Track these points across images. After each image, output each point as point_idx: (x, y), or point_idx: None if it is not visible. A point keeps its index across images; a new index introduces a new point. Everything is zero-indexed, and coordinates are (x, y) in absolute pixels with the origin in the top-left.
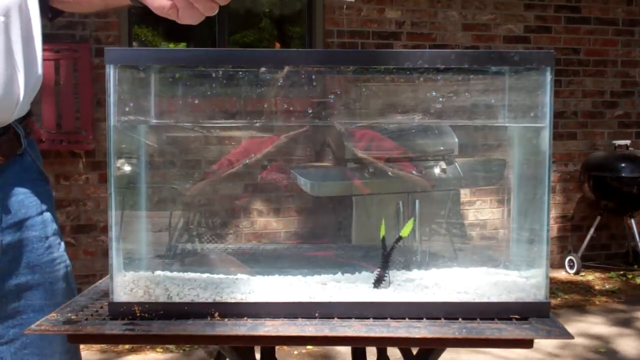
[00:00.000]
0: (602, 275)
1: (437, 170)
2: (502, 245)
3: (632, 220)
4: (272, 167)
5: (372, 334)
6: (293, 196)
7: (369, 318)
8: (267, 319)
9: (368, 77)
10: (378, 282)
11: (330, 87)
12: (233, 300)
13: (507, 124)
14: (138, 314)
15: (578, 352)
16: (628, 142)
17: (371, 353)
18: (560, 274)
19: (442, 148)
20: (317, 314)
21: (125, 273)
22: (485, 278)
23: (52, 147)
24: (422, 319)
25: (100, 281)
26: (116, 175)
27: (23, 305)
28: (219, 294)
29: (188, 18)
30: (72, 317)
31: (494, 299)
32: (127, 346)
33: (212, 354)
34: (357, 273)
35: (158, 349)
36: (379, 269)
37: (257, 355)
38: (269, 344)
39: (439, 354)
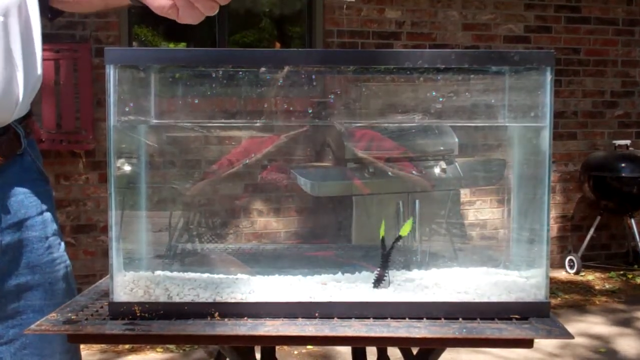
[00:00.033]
0: (602, 275)
1: (437, 170)
2: (502, 245)
3: (632, 220)
4: (272, 167)
5: (372, 334)
6: (293, 196)
7: (369, 318)
8: (267, 318)
9: (368, 77)
10: (378, 282)
11: (330, 87)
12: (233, 300)
13: (507, 124)
14: (138, 314)
15: (578, 352)
16: (628, 142)
17: (371, 353)
18: (561, 274)
19: (442, 148)
20: (317, 314)
21: (125, 273)
22: (486, 278)
23: (52, 147)
24: (422, 318)
25: (100, 281)
26: (116, 175)
27: (23, 305)
28: (219, 294)
29: (188, 18)
30: (72, 317)
31: (494, 298)
32: (127, 346)
33: (212, 354)
34: (357, 273)
35: (158, 349)
36: (378, 269)
37: (257, 355)
38: (269, 343)
39: (439, 354)
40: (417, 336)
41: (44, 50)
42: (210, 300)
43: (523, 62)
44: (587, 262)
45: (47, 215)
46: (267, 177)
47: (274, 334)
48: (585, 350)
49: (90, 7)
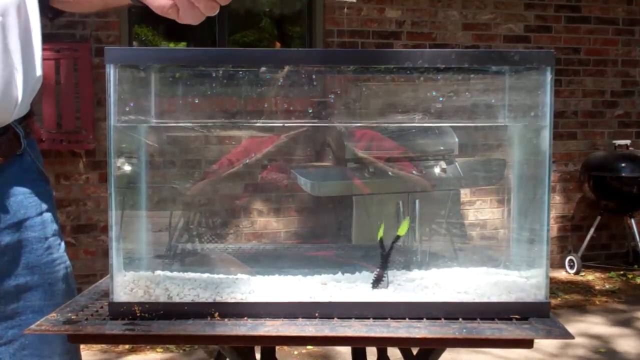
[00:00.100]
0: (602, 275)
1: (437, 170)
2: (502, 245)
3: (632, 220)
4: (272, 167)
5: (372, 334)
6: (293, 196)
7: (369, 318)
8: (267, 319)
9: (368, 76)
10: (377, 282)
11: (330, 87)
12: (233, 300)
13: (507, 124)
14: (138, 314)
15: (578, 352)
16: (628, 141)
17: (371, 353)
18: (561, 274)
19: (442, 148)
20: (317, 314)
21: (125, 273)
22: (486, 278)
23: (53, 146)
24: (422, 319)
25: (100, 281)
26: (116, 175)
27: (22, 306)
28: (219, 294)
29: (189, 18)
30: (72, 317)
31: (494, 299)
32: (127, 346)
33: (212, 354)
34: (357, 273)
35: (158, 349)
36: (378, 269)
37: (257, 355)
38: (269, 344)
39: (439, 354)
40: (417, 336)
41: (44, 49)
42: (210, 300)
43: (523, 62)
44: (587, 262)
45: (47, 215)
46: (267, 177)
47: (274, 334)
48: (585, 350)
49: (90, 7)
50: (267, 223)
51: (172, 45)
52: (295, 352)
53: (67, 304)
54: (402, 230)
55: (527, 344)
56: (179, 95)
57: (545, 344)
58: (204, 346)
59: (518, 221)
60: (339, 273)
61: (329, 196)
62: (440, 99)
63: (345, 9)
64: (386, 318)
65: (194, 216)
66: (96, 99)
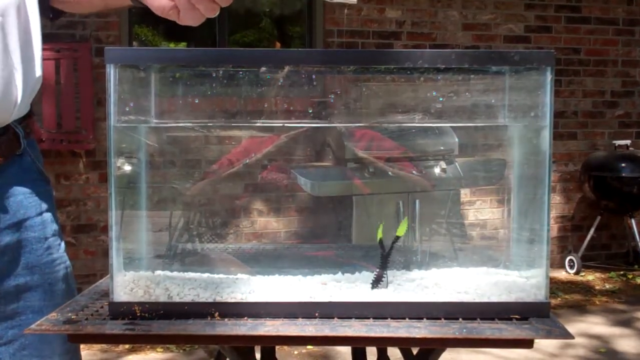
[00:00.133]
0: (603, 275)
1: (437, 170)
2: (502, 245)
3: (633, 220)
4: (272, 167)
5: (372, 334)
6: (293, 196)
7: (369, 318)
8: (267, 318)
9: (368, 77)
10: (376, 283)
11: (330, 87)
12: (233, 300)
13: (507, 124)
14: (138, 314)
15: (578, 352)
16: (628, 142)
17: (371, 353)
18: (561, 274)
19: (442, 148)
20: (317, 314)
21: (125, 273)
22: (486, 278)
23: (53, 146)
24: (422, 319)
25: (100, 281)
26: (116, 174)
27: (22, 306)
28: (219, 293)
29: (189, 19)
30: (73, 317)
31: (494, 299)
32: (127, 346)
33: (213, 354)
34: (357, 273)
35: (158, 349)
36: (377, 269)
37: (258, 355)
38: (269, 343)
39: (439, 354)
40: (417, 336)
41: (44, 49)
42: (210, 300)
43: (523, 62)
44: (587, 262)
45: (47, 215)
46: (267, 177)
47: (274, 334)
48: (585, 350)
49: (90, 7)
50: (267, 223)
51: (172, 45)
52: (295, 352)
53: (67, 304)
54: (401, 230)
55: (527, 344)
56: (179, 96)
57: (545, 344)
58: (204, 346)
59: (518, 221)
60: (339, 273)
61: (329, 196)
62: (441, 99)
63: (346, 9)
64: (386, 318)
65: (194, 216)
66: (96, 99)
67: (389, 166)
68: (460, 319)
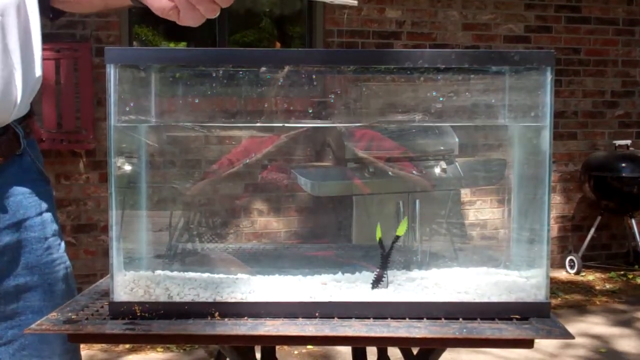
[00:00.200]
0: (603, 276)
1: (437, 170)
2: (502, 245)
3: (633, 220)
4: (272, 167)
5: (372, 334)
6: (293, 196)
7: (369, 318)
8: (268, 318)
9: (368, 76)
10: (377, 282)
11: (330, 87)
12: (233, 300)
13: (507, 124)
14: (138, 314)
15: (579, 352)
16: (628, 142)
17: (371, 353)
18: (561, 274)
19: (442, 148)
20: (317, 314)
21: (125, 272)
22: (486, 278)
23: (53, 146)
24: (422, 319)
25: (100, 281)
26: (117, 174)
27: (22, 306)
28: (219, 293)
29: (189, 20)
30: (73, 317)
31: (495, 299)
32: (127, 346)
33: (213, 354)
34: (357, 273)
35: (158, 349)
36: (378, 269)
37: (258, 355)
38: (270, 343)
39: (439, 354)
40: (418, 336)
41: (44, 49)
42: (210, 300)
43: (523, 62)
44: (588, 262)
45: (47, 215)
46: (267, 177)
47: (274, 333)
48: (585, 350)
49: (90, 7)
50: (267, 223)
51: (172, 45)
52: (296, 352)
53: (67, 304)
54: (401, 230)
55: (528, 344)
56: (179, 95)
57: (546, 344)
58: (204, 346)
59: (518, 221)
60: (339, 273)
61: (329, 196)
62: (441, 99)
63: (346, 10)
64: (386, 318)
65: (194, 216)
66: (96, 98)
67: (389, 166)
68: (461, 319)
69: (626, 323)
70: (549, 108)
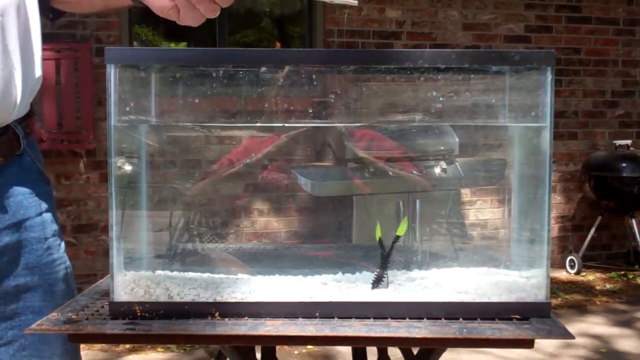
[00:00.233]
0: (603, 276)
1: (437, 170)
2: (502, 245)
3: (633, 220)
4: (272, 167)
5: (372, 334)
6: (293, 196)
7: (369, 318)
8: (268, 318)
9: (368, 76)
10: (376, 283)
11: (330, 87)
12: (234, 300)
13: (507, 124)
14: (139, 314)
15: (579, 352)
16: (629, 142)
17: (372, 353)
18: (561, 274)
19: (442, 148)
20: (317, 314)
21: (126, 272)
22: (486, 278)
23: (53, 146)
24: (422, 318)
25: (100, 281)
26: (117, 174)
27: (22, 306)
28: (219, 293)
29: (189, 19)
30: (73, 317)
31: (495, 299)
32: (127, 346)
33: (213, 354)
34: (357, 273)
35: (159, 349)
36: (378, 269)
37: (258, 355)
38: (270, 343)
39: (439, 354)
40: (418, 336)
41: (44, 49)
42: (210, 300)
43: (523, 62)
44: (588, 262)
45: (47, 216)
46: (267, 177)
47: (274, 333)
48: (586, 350)
49: (90, 7)
50: (267, 223)
51: (172, 45)
52: (296, 352)
53: (67, 304)
54: (401, 230)
55: (528, 344)
56: (179, 95)
57: (546, 344)
58: (204, 346)
59: (519, 221)
60: (339, 273)
61: (330, 196)
62: (441, 99)
63: (347, 10)
64: (386, 318)
65: (195, 216)
66: (96, 98)
67: (389, 166)
68: (461, 319)
69: (626, 323)
70: (549, 108)
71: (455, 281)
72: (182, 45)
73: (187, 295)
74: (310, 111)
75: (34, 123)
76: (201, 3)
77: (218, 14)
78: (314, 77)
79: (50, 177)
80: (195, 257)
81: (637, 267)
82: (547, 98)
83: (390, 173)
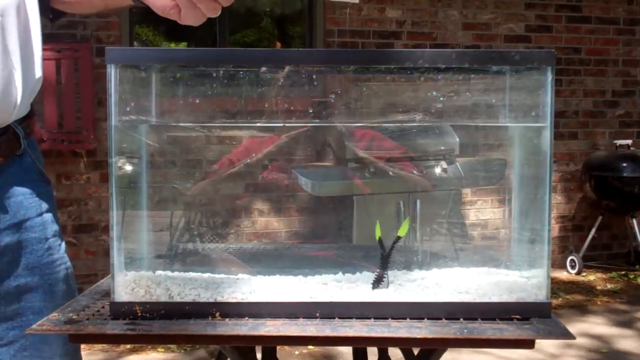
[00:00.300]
0: (604, 276)
1: (438, 170)
2: (503, 245)
3: (634, 220)
4: (273, 167)
5: (373, 334)
6: (294, 196)
7: (370, 318)
8: (268, 318)
9: (369, 76)
10: (377, 283)
11: (330, 87)
12: (234, 300)
13: (508, 124)
14: (139, 314)
15: (580, 352)
16: (629, 141)
17: (372, 353)
18: (562, 274)
19: (443, 148)
20: (318, 314)
21: (126, 273)
22: (487, 278)
23: (54, 146)
24: (423, 319)
25: (101, 281)
26: (117, 174)
27: (23, 307)
28: (220, 293)
29: (190, 19)
30: (74, 317)
31: (495, 299)
32: (128, 346)
33: (213, 354)
34: (358, 273)
35: (159, 349)
36: (378, 269)
37: (258, 355)
38: (270, 343)
39: (440, 354)
40: (418, 336)
41: (44, 50)
42: (211, 300)
43: (524, 62)
44: (589, 262)
45: (47, 216)
46: (268, 177)
47: (274, 334)
48: (586, 350)
49: (91, 7)
50: (267, 223)
51: (172, 45)
52: (296, 352)
53: (68, 304)
54: (403, 231)
55: (529, 344)
56: (180, 96)
57: (547, 344)
58: (205, 346)
59: (519, 221)
60: (340, 273)
61: (330, 196)
62: (441, 98)
63: (348, 10)
64: (387, 318)
65: (195, 216)
66: (97, 99)
67: (389, 166)
68: (461, 319)
69: (627, 323)
70: (550, 108)
71: (456, 281)
72: (183, 45)
73: (187, 295)
74: (311, 111)
75: (35, 123)
76: (202, 2)
77: (219, 13)
78: (314, 77)
79: (50, 177)
80: (196, 257)
81: (637, 267)
82: (548, 98)
83: (390, 173)
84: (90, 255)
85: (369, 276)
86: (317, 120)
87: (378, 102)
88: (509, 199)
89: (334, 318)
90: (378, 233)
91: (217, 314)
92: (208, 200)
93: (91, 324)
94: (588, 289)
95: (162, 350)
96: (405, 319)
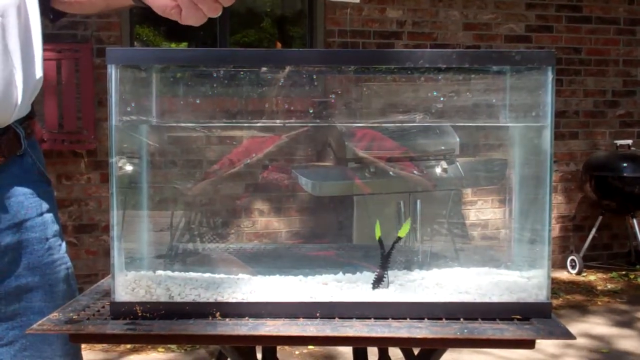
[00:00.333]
0: (604, 276)
1: (438, 170)
2: (503, 245)
3: (634, 220)
4: (273, 167)
5: (373, 334)
6: (294, 196)
7: (370, 318)
8: (269, 318)
9: (369, 76)
10: (377, 283)
11: (331, 87)
12: (234, 300)
13: (508, 124)
14: (139, 314)
15: (580, 352)
16: (630, 141)
17: (372, 353)
18: (562, 274)
19: (443, 148)
20: (318, 314)
21: (126, 273)
22: (487, 278)
23: (54, 146)
24: (423, 319)
25: (101, 281)
26: (118, 175)
27: (23, 307)
28: (220, 293)
29: (191, 19)
30: (74, 317)
31: (496, 299)
32: (128, 346)
33: (214, 354)
34: (358, 273)
35: (159, 349)
36: (378, 269)
37: (259, 355)
38: (271, 343)
39: (440, 354)
40: (419, 336)
41: (45, 50)
42: (211, 300)
43: (524, 62)
44: (589, 263)
45: (48, 216)
46: (268, 177)
47: (275, 334)
48: (587, 351)
49: (91, 8)
50: (268, 223)
51: (173, 45)
52: (297, 352)
53: (68, 304)
54: (403, 232)
55: (529, 344)
56: (180, 96)
57: (547, 345)
58: (205, 346)
59: (519, 221)
60: (340, 273)
61: (330, 196)
62: (442, 98)
63: (348, 10)
64: (387, 318)
65: (195, 216)
66: (97, 99)
67: (390, 166)
68: (462, 319)
69: (628, 323)
70: (550, 108)
71: (456, 281)
72: (183, 46)
73: (188, 295)
74: (311, 111)
75: (35, 123)
76: (204, 2)
77: (220, 13)
78: (314, 77)
79: (51, 178)
80: (196, 257)
81: (638, 267)
82: (548, 98)
83: (391, 173)
84: (91, 255)
85: (369, 276)
86: (318, 120)
87: (378, 102)
88: (510, 199)
89: (334, 318)
90: (378, 233)
91: (218, 314)
92: (208, 200)
93: (91, 323)
94: (588, 289)
95: (163, 350)
96: (405, 319)
